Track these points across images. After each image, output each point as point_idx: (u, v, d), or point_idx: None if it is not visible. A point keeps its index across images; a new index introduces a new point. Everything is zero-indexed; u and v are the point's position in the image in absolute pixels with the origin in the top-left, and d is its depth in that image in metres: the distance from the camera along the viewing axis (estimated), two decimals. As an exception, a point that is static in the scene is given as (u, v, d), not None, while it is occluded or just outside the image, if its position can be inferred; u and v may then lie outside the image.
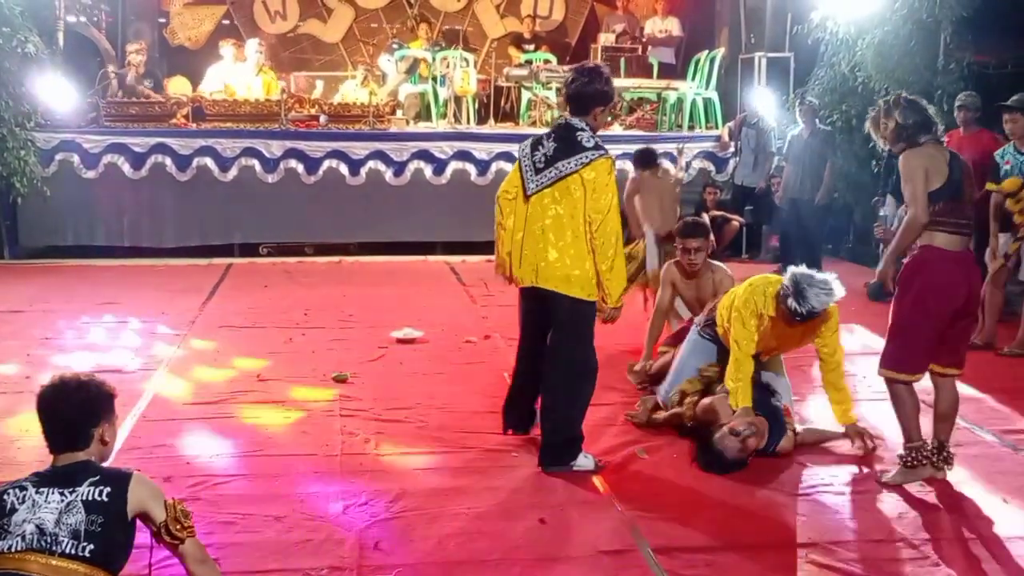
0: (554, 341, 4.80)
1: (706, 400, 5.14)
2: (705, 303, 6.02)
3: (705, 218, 10.72)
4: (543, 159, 4.77)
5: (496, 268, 5.11)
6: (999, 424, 5.55)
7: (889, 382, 4.63)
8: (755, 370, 5.08)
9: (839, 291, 4.82)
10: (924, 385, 4.67)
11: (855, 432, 5.05)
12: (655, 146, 11.65)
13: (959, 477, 4.70)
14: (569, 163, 4.68)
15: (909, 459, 4.60)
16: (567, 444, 4.74)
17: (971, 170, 4.66)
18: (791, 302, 4.75)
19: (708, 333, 5.46)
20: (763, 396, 5.08)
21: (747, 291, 5.06)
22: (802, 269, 4.85)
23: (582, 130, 4.75)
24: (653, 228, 7.54)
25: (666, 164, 8.77)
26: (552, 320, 4.79)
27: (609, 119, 12.36)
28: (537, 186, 4.76)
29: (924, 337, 4.51)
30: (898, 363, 4.58)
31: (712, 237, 6.52)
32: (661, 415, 5.37)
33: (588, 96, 4.77)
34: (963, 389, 5.90)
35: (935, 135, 4.56)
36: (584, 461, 4.75)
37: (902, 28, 10.12)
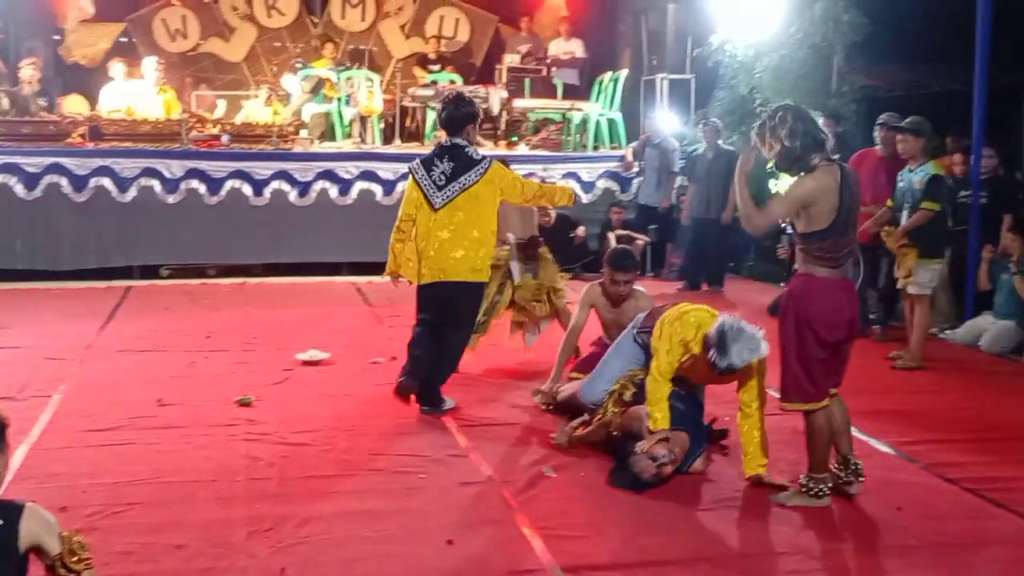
0: (452, 322, 5.94)
1: (632, 409, 5.13)
2: (624, 327, 6.00)
3: (610, 237, 10.88)
4: (443, 177, 5.74)
5: (387, 272, 6.10)
6: (894, 436, 5.69)
7: (804, 415, 4.58)
8: (690, 386, 5.14)
9: (764, 350, 4.69)
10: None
11: (758, 483, 4.83)
12: (557, 166, 11.81)
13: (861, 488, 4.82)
14: (470, 176, 5.73)
15: (813, 490, 4.56)
16: (440, 393, 5.96)
17: (859, 191, 4.62)
18: (712, 353, 4.66)
19: (642, 339, 5.32)
20: (694, 411, 5.12)
21: (684, 321, 4.96)
22: (735, 320, 4.71)
23: (467, 146, 5.83)
24: (514, 236, 7.08)
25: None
26: (450, 307, 5.89)
27: (515, 139, 12.47)
28: (444, 200, 5.74)
29: (821, 363, 4.50)
30: (804, 393, 4.52)
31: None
32: (584, 431, 5.34)
33: (459, 118, 5.84)
34: (859, 401, 6.07)
35: (826, 153, 4.46)
36: (450, 402, 5.96)
37: (797, 52, 10.45)
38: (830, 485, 4.58)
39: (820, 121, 9.70)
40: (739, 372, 4.77)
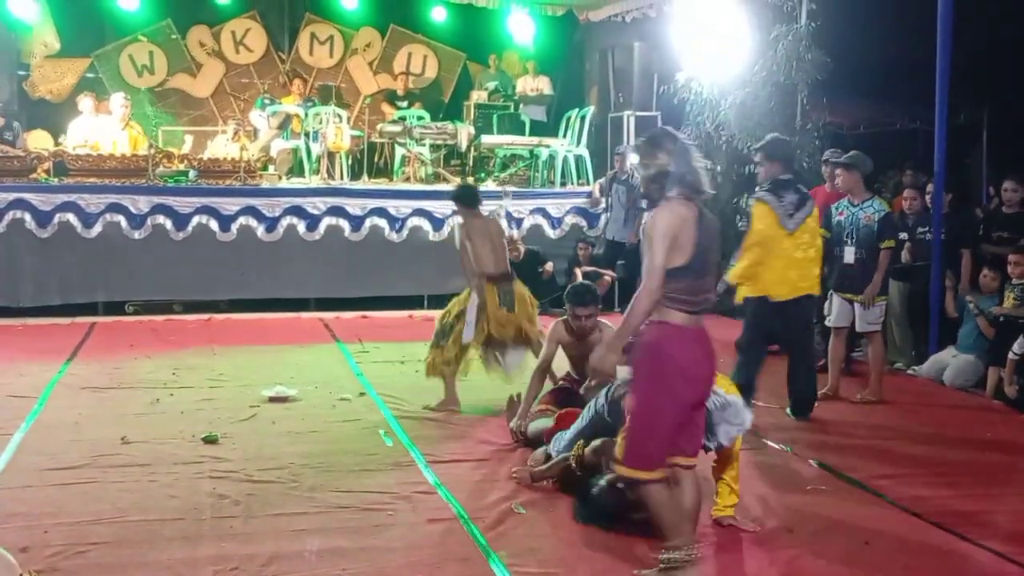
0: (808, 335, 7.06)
1: (596, 442, 5.12)
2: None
3: (578, 273, 10.93)
4: (792, 206, 6.61)
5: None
6: (861, 470, 5.72)
7: (636, 483, 4.05)
8: None
9: (747, 423, 4.60)
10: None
11: (727, 523, 4.78)
12: (525, 202, 11.81)
13: (824, 525, 4.84)
14: (805, 209, 6.66)
15: (671, 562, 4.02)
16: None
17: (717, 240, 4.16)
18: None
19: (613, 414, 5.08)
20: None
21: None
22: (722, 398, 4.47)
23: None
24: (486, 271, 6.92)
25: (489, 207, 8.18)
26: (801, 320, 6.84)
27: (482, 175, 12.53)
28: (795, 225, 6.61)
29: (668, 426, 3.98)
30: (643, 459, 3.98)
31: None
32: (543, 468, 5.33)
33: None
34: (826, 438, 6.11)
35: (691, 191, 4.02)
36: None
37: (762, 90, 10.59)
38: (691, 552, 4.04)
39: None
40: None
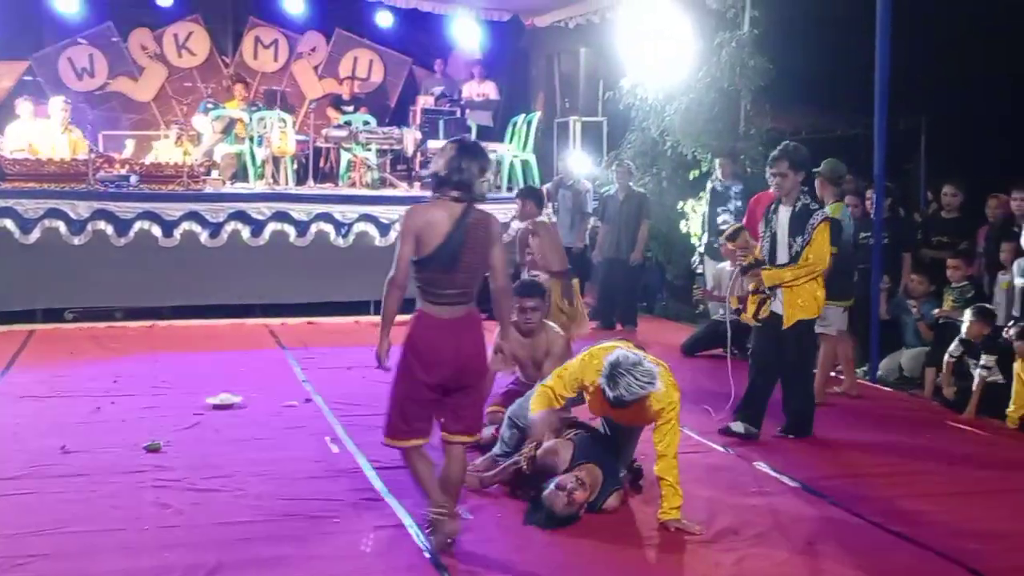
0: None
1: (547, 443, 5.14)
2: (539, 362, 6.15)
3: (524, 277, 10.93)
4: None
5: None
6: (804, 471, 5.79)
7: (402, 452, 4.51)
8: (612, 431, 5.26)
9: (657, 386, 4.70)
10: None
11: (673, 527, 4.82)
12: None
13: (768, 526, 4.88)
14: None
15: (433, 519, 4.46)
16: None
17: (484, 243, 4.36)
18: (602, 382, 4.74)
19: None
20: (606, 449, 5.16)
21: (589, 365, 5.00)
22: (629, 354, 4.75)
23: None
24: (551, 268, 7.77)
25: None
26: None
27: (429, 180, 12.48)
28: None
29: (409, 402, 4.38)
30: (387, 429, 4.46)
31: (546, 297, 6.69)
32: (492, 473, 5.34)
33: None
34: (770, 441, 6.18)
35: (455, 188, 4.32)
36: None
37: (706, 96, 10.71)
38: (442, 511, 4.44)
39: (718, 161, 10.06)
40: (644, 411, 4.83)
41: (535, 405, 5.10)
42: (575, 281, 8.02)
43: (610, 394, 4.70)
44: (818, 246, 6.21)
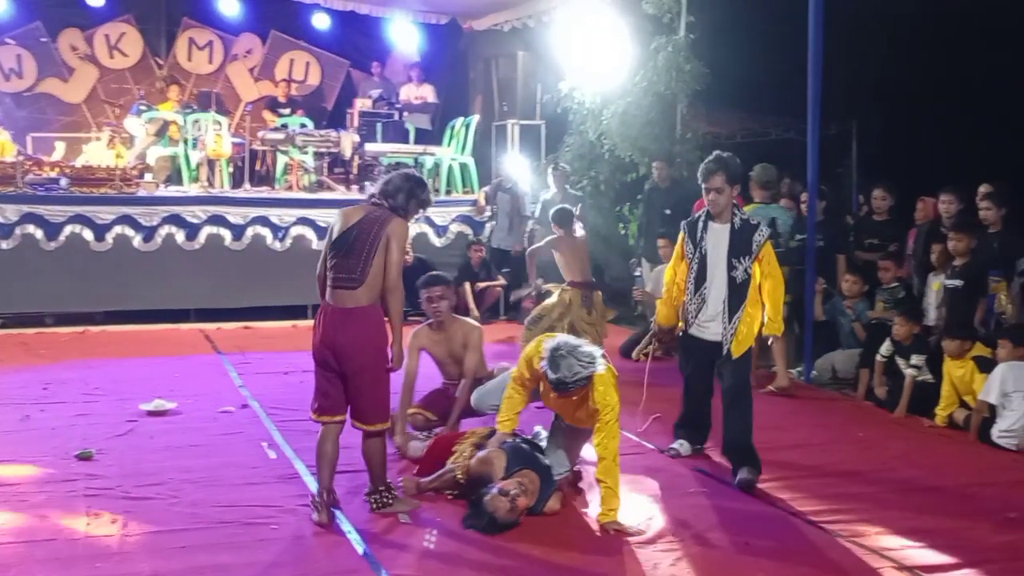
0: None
1: (481, 452, 5.15)
2: (458, 357, 6.15)
3: (466, 286, 10.92)
4: None
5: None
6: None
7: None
8: (559, 434, 5.31)
9: (598, 368, 4.81)
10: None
11: (612, 529, 4.83)
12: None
13: (706, 526, 4.93)
14: None
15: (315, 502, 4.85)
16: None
17: (370, 236, 4.72)
18: (543, 366, 4.86)
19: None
20: (533, 454, 5.17)
21: (535, 344, 5.13)
22: (570, 338, 4.91)
23: None
24: (573, 279, 8.15)
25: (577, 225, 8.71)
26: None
27: (366, 184, 12.42)
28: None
29: (317, 377, 4.87)
30: (312, 404, 4.92)
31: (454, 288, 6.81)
32: (429, 479, 5.33)
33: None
34: (707, 442, 6.22)
35: (376, 198, 4.84)
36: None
37: (643, 100, 10.80)
38: (321, 494, 4.84)
39: (654, 164, 10.15)
40: (584, 404, 4.91)
41: (505, 405, 5.29)
42: (597, 293, 8.33)
43: (552, 376, 4.80)
44: (774, 268, 5.82)
